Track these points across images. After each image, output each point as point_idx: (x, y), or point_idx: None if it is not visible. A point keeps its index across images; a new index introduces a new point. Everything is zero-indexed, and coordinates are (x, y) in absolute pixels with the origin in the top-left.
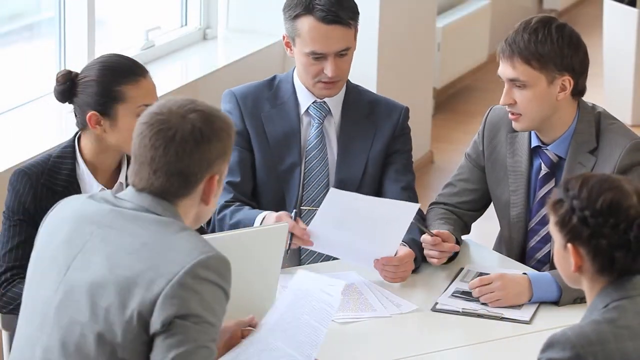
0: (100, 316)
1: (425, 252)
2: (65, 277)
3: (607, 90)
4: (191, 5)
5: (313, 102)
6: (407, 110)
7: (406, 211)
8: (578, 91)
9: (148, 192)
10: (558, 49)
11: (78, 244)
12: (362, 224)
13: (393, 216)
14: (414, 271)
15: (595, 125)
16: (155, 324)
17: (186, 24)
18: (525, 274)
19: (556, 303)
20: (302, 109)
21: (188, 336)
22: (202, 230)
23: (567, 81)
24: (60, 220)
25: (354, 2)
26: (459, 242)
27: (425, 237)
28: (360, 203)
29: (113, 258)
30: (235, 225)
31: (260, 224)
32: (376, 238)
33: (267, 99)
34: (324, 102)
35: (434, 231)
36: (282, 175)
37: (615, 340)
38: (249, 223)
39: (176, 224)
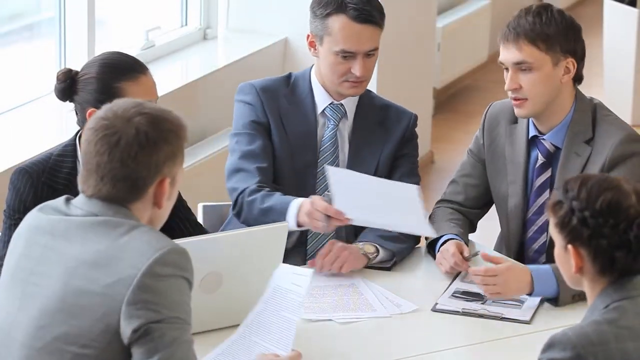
0: (63, 332)
1: (442, 260)
2: (23, 294)
3: (607, 90)
4: (191, 5)
5: (330, 104)
6: (416, 117)
7: (409, 191)
8: (578, 77)
9: (97, 197)
10: (563, 30)
11: (33, 258)
12: (376, 199)
13: (398, 195)
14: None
15: (592, 115)
16: (125, 332)
17: (186, 24)
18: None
19: (555, 301)
20: (319, 109)
21: (166, 337)
22: (204, 229)
23: (571, 63)
24: (17, 236)
25: (380, 2)
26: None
27: (454, 251)
28: (362, 180)
29: (69, 270)
30: (267, 211)
31: (297, 212)
32: (397, 211)
33: (284, 95)
34: (341, 105)
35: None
36: (298, 173)
37: (616, 341)
38: (283, 208)
39: (127, 223)
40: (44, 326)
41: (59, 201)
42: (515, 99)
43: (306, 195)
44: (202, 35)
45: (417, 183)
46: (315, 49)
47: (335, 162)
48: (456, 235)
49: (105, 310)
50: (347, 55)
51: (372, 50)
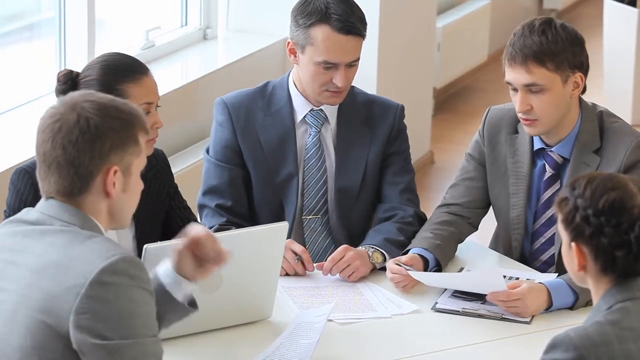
0: (18, 345)
1: (389, 276)
2: None
3: (607, 90)
4: (191, 5)
5: (310, 110)
6: (402, 108)
7: (493, 278)
8: (584, 88)
9: (51, 196)
10: (569, 47)
11: None
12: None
13: (483, 283)
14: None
15: (599, 124)
16: (75, 341)
17: (186, 24)
18: (541, 282)
19: (570, 307)
20: (298, 117)
21: (126, 356)
22: None
23: (579, 77)
24: None
25: (362, 11)
26: (440, 263)
27: (390, 265)
28: (444, 277)
29: (24, 282)
30: None
31: None
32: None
33: (260, 108)
34: (321, 110)
35: (403, 260)
36: (280, 185)
37: (619, 342)
38: None
39: (82, 234)
40: (2, 339)
41: (25, 210)
42: (525, 119)
43: (289, 207)
44: (202, 35)
45: (410, 179)
46: (296, 57)
47: (321, 169)
48: (424, 249)
49: (54, 321)
50: (329, 66)
51: (355, 60)
